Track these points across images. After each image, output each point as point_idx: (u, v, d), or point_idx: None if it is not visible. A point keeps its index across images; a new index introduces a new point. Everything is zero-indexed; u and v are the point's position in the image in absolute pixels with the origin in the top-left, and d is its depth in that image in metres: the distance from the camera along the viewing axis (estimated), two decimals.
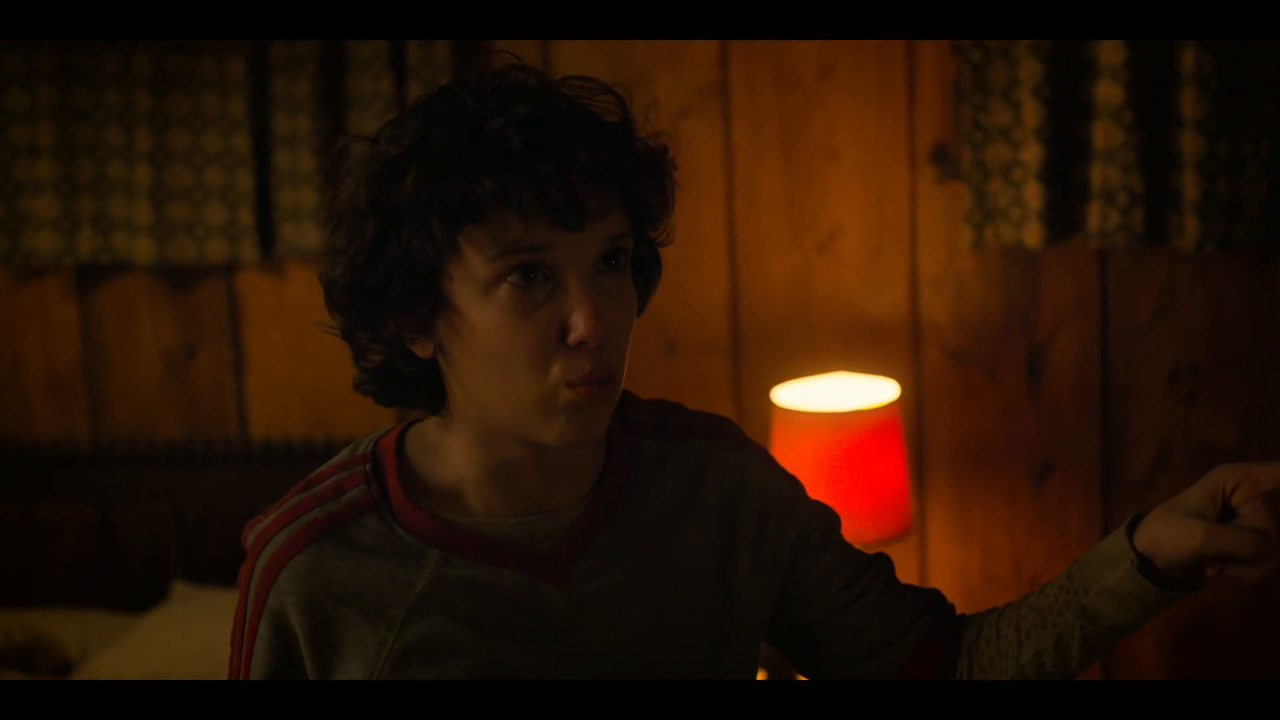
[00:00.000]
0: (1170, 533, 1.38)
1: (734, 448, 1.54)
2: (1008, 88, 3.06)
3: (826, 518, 1.56)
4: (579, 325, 1.35)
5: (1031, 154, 3.04)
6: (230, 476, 3.40)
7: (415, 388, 1.44)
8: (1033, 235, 3.07)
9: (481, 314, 1.37)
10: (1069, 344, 3.19)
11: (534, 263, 1.35)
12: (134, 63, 3.34)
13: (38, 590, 3.50)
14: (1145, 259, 3.14)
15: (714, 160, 3.25)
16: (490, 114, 1.35)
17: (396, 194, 1.35)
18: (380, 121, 1.47)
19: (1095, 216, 3.04)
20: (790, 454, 2.91)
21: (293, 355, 3.45)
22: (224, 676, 1.49)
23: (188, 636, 3.13)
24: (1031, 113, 3.02)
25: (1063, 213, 3.07)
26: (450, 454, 1.45)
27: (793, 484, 1.56)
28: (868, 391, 3.05)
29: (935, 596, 1.57)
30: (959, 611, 1.58)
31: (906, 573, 2.97)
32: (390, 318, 1.39)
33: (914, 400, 3.23)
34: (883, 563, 1.57)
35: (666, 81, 3.22)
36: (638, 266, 1.46)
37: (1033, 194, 3.05)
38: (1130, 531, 1.41)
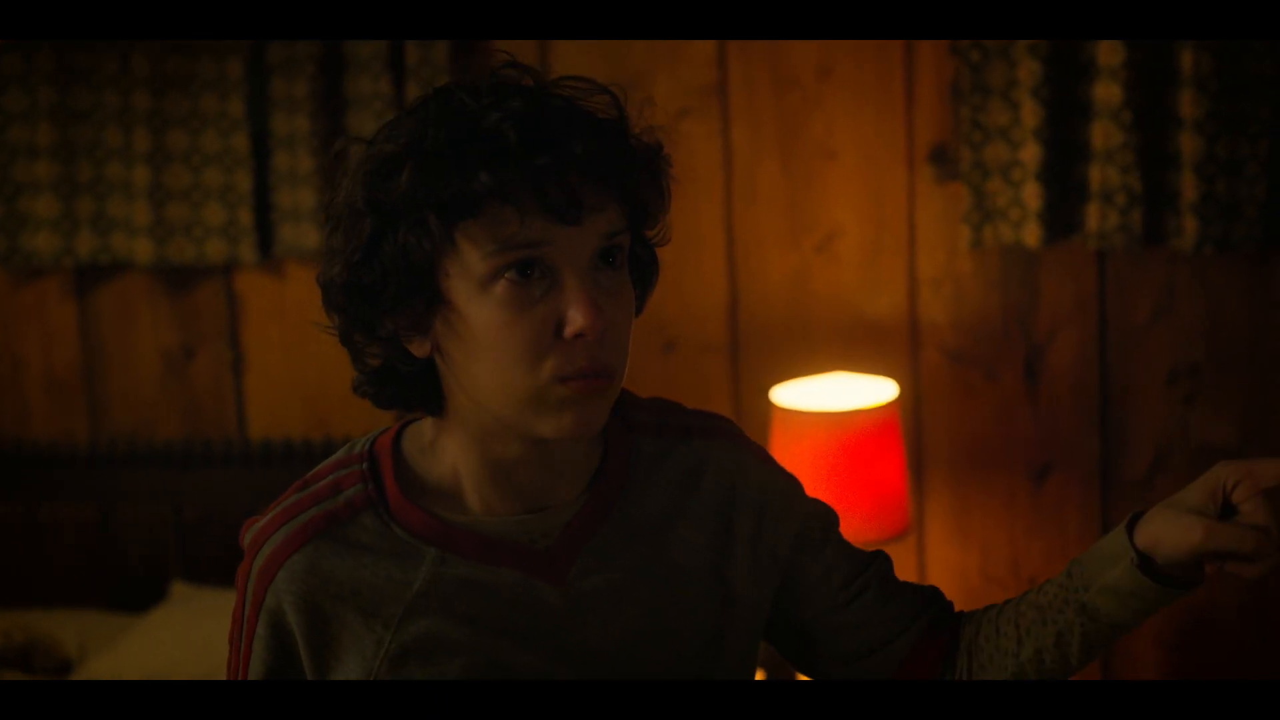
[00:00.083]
0: (1170, 530, 1.38)
1: (732, 447, 1.53)
2: (1006, 88, 3.06)
3: (825, 516, 1.56)
4: (576, 319, 1.35)
5: (1030, 154, 3.03)
6: (229, 477, 3.40)
7: (413, 389, 1.44)
8: (1031, 236, 3.07)
9: (478, 310, 1.36)
10: (1068, 344, 3.19)
11: (531, 259, 1.35)
12: (133, 63, 3.34)
13: (37, 590, 3.50)
14: (1144, 260, 3.14)
15: (712, 160, 3.25)
16: (486, 110, 1.35)
17: (392, 191, 1.35)
18: (379, 122, 1.47)
19: (1094, 217, 3.04)
20: (789, 454, 2.91)
21: (292, 356, 3.45)
22: (223, 676, 1.49)
23: (187, 637, 3.13)
24: (1030, 113, 3.02)
25: (1061, 213, 3.07)
26: (447, 452, 1.45)
27: (791, 482, 1.55)
28: (866, 392, 3.05)
29: (934, 594, 1.57)
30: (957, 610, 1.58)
31: (905, 573, 2.94)
32: (387, 316, 1.39)
33: (913, 400, 3.23)
34: (881, 560, 1.56)
35: (665, 82, 3.22)
36: (635, 267, 1.46)
37: (1031, 194, 3.05)
38: (1130, 529, 1.41)
